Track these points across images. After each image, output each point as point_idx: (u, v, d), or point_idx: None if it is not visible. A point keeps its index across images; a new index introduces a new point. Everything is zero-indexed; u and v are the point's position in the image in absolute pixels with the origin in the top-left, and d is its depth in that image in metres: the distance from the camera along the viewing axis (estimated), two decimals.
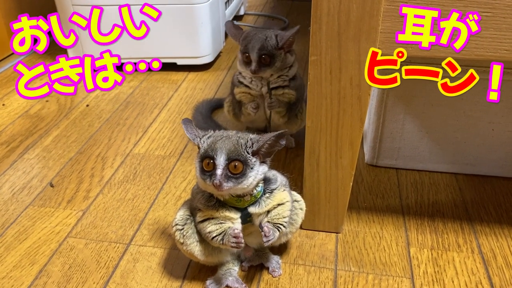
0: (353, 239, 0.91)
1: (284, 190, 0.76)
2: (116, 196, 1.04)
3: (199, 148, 0.72)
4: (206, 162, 0.69)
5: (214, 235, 0.72)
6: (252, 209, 0.73)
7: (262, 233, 0.72)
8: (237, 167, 0.68)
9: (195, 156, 0.74)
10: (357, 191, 1.04)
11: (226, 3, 1.80)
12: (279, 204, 0.74)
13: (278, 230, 0.74)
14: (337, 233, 0.92)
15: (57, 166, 1.16)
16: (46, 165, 1.16)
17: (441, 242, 0.90)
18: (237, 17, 2.13)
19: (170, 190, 1.06)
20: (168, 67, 1.65)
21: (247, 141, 0.70)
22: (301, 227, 0.91)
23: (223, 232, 0.72)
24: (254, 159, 0.70)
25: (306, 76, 0.76)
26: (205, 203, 0.73)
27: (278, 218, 0.74)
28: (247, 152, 0.69)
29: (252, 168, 0.69)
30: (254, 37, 1.03)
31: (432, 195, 1.03)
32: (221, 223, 0.72)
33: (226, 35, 1.85)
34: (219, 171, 0.67)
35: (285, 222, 0.75)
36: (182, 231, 0.76)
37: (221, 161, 0.68)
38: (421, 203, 1.00)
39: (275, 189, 0.74)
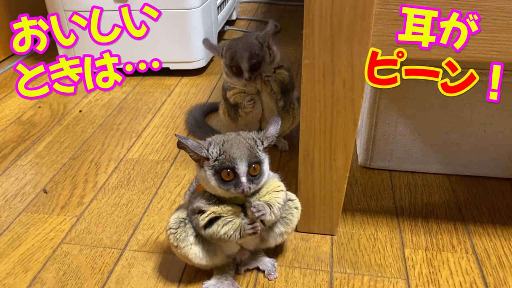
0: (348, 241, 0.91)
1: (276, 179, 0.78)
2: (110, 202, 1.04)
3: (207, 159, 0.70)
4: (226, 172, 0.69)
5: (231, 233, 0.72)
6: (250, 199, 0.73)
7: (253, 209, 0.70)
8: (256, 169, 0.70)
9: (196, 166, 0.73)
10: (351, 193, 1.04)
11: (218, 8, 1.80)
12: (274, 191, 0.75)
13: (270, 208, 0.73)
14: (332, 235, 0.93)
15: (51, 172, 1.15)
16: (39, 171, 1.15)
17: (435, 243, 0.90)
18: (230, 22, 2.14)
19: (165, 195, 1.06)
20: (161, 72, 1.65)
21: (256, 141, 0.72)
22: (296, 230, 0.91)
23: (238, 227, 0.72)
24: (263, 155, 0.73)
25: (299, 79, 0.76)
26: (206, 202, 0.73)
27: (270, 199, 0.74)
28: (259, 151, 0.72)
29: (263, 163, 0.72)
30: (238, 47, 1.04)
31: (425, 196, 1.03)
32: (230, 220, 0.72)
33: (218, 40, 1.86)
34: (244, 179, 0.69)
35: (279, 205, 0.74)
36: (176, 234, 0.76)
37: (243, 168, 0.69)
38: (415, 204, 1.01)
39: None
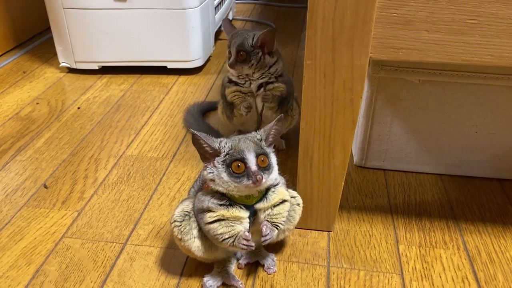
0: (344, 237, 0.94)
1: (283, 186, 0.80)
2: (110, 197, 1.06)
3: (217, 155, 0.73)
4: (236, 165, 0.71)
5: (226, 237, 0.74)
6: (259, 205, 0.75)
7: (262, 232, 0.75)
8: (264, 160, 0.73)
9: (203, 169, 0.75)
10: (347, 192, 1.07)
11: (216, 8, 1.82)
12: (283, 200, 0.78)
13: (277, 228, 0.77)
14: (328, 231, 0.95)
15: (50, 167, 1.16)
16: (39, 167, 1.16)
17: (428, 239, 0.93)
18: None
19: (164, 191, 1.07)
20: (159, 70, 1.66)
21: (260, 136, 0.76)
22: None
23: (235, 235, 0.74)
24: (269, 149, 0.76)
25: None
26: (217, 203, 0.74)
27: (277, 217, 0.77)
28: (264, 144, 0.76)
29: (270, 156, 0.75)
30: (238, 35, 1.10)
31: (418, 195, 1.06)
32: (232, 225, 0.74)
33: (215, 40, 1.87)
34: (254, 167, 0.71)
35: (283, 221, 0.78)
36: (180, 227, 0.78)
37: (251, 158, 0.72)
38: (409, 202, 1.04)
39: (277, 185, 0.78)
